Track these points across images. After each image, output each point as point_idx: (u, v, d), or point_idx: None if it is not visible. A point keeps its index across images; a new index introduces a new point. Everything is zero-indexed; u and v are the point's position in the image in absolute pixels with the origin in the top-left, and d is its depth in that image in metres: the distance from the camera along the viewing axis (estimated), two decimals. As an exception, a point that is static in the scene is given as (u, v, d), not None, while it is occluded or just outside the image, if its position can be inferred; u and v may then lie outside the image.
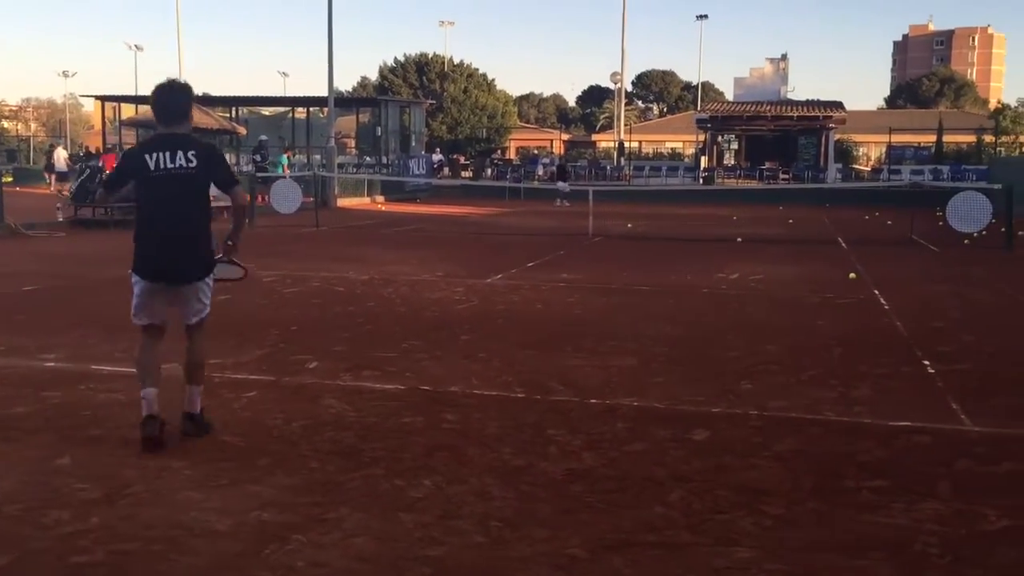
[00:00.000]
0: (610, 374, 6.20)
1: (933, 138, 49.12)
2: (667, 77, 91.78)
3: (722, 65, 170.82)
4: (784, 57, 68.53)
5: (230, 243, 4.82)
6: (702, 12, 78.27)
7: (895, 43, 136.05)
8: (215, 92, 32.86)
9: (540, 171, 45.68)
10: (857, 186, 36.65)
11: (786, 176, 40.06)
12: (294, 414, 5.10)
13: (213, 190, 4.71)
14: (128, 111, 37.60)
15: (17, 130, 71.72)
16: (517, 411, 5.26)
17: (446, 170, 45.25)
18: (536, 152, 62.11)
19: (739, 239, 17.29)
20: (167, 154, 4.51)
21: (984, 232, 16.33)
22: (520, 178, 41.45)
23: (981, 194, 16.69)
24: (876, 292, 10.35)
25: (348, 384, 5.84)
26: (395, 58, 64.90)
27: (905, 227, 18.19)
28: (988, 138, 46.04)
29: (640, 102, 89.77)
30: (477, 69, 63.23)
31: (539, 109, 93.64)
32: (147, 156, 4.53)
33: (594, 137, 74.05)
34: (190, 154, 4.53)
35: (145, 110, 33.46)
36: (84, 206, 17.97)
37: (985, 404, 5.56)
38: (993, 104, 62.62)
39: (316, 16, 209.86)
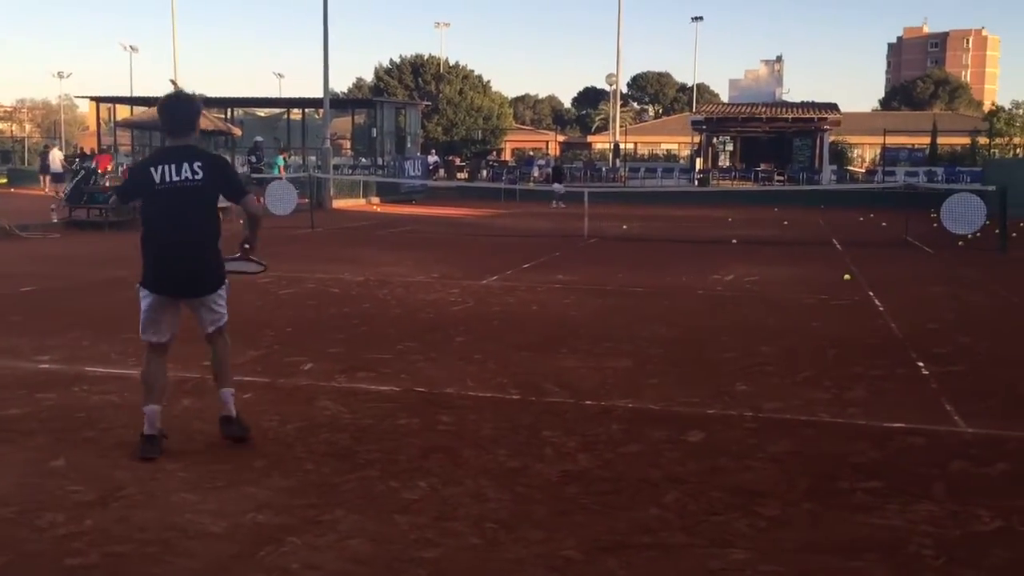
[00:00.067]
0: (605, 376, 6.20)
1: (927, 140, 49.21)
2: (662, 79, 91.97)
3: (717, 67, 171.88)
4: (779, 59, 68.87)
5: (247, 246, 4.78)
6: (697, 14, 77.94)
7: (890, 45, 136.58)
8: (210, 93, 32.70)
9: (536, 173, 45.65)
10: (852, 188, 36.69)
11: (781, 178, 40.05)
12: (289, 416, 5.10)
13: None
14: (123, 112, 37.54)
15: (11, 131, 71.54)
16: (512, 413, 5.26)
17: (442, 171, 45.26)
18: (532, 154, 62.14)
19: (734, 241, 17.30)
20: (172, 166, 4.43)
21: (978, 234, 16.33)
22: (516, 180, 41.43)
23: (975, 196, 16.66)
24: (871, 294, 10.37)
25: (343, 386, 5.83)
26: (391, 59, 64.83)
27: (900, 229, 18.22)
28: (982, 140, 46.05)
29: (635, 104, 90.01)
30: (473, 71, 63.25)
31: (535, 111, 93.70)
32: (152, 170, 4.47)
33: (590, 139, 74.19)
34: (196, 165, 4.45)
35: (140, 111, 33.49)
36: (79, 207, 17.96)
37: (979, 405, 5.58)
38: (987, 106, 62.68)
39: (312, 17, 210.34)
